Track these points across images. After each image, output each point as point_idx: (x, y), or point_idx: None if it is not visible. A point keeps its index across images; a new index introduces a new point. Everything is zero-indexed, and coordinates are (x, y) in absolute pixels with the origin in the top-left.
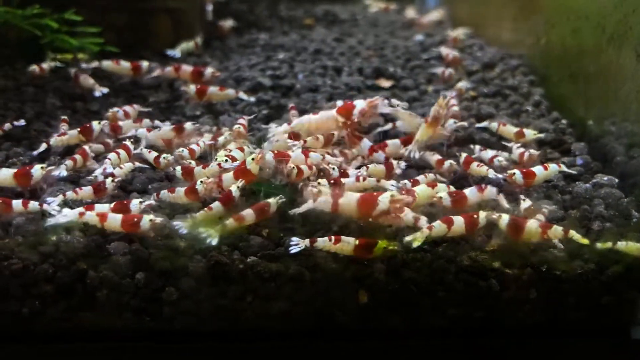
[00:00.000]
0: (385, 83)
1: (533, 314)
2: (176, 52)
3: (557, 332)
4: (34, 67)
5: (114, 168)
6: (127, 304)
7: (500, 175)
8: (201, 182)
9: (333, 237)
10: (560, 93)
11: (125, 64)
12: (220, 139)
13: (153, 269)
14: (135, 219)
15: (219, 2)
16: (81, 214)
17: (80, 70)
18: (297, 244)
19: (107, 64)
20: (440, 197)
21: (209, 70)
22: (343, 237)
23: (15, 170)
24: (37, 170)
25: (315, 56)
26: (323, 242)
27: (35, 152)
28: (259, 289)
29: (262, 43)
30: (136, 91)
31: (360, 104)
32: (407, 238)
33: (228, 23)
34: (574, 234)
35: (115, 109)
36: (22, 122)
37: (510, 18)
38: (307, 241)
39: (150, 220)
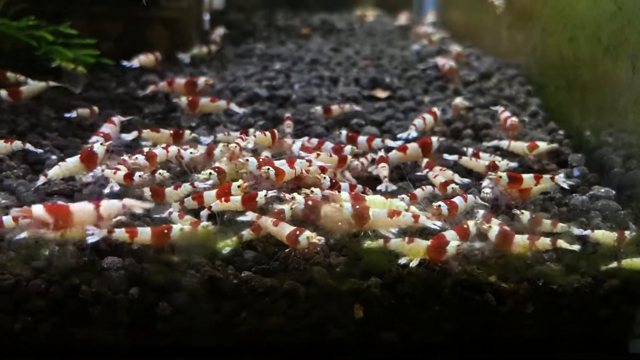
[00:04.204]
0: (382, 93)
1: (530, 328)
2: (186, 57)
3: (554, 346)
4: None
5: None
6: (121, 319)
7: (466, 180)
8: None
9: (407, 237)
10: (557, 103)
11: (151, 56)
12: (216, 152)
13: (147, 283)
14: (166, 230)
15: (216, 12)
16: (110, 232)
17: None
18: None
19: (142, 58)
20: (439, 206)
21: (202, 80)
22: (416, 239)
23: (80, 154)
24: (98, 147)
25: (312, 66)
26: (396, 242)
27: None
28: (253, 304)
29: (258, 53)
30: (132, 102)
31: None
32: (402, 261)
33: (219, 32)
34: (562, 243)
35: (94, 137)
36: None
37: (506, 27)
38: (380, 241)
39: (181, 229)
